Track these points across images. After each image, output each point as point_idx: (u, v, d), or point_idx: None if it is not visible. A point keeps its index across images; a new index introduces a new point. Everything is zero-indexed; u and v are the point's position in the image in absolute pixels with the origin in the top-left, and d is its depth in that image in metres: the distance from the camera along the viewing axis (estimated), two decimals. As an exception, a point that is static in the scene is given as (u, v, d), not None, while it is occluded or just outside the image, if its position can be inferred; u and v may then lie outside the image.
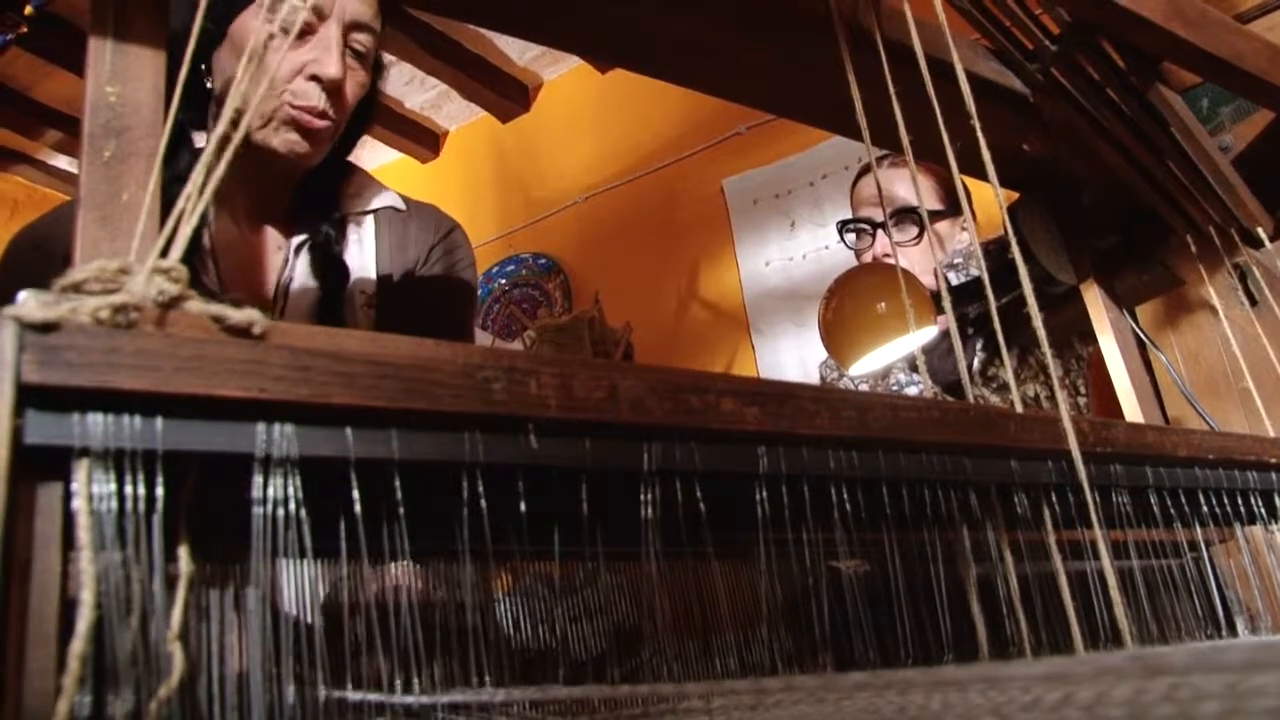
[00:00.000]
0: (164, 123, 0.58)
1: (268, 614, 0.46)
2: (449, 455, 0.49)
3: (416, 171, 4.53)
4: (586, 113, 4.12)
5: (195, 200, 0.52)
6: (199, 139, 1.26)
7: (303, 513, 0.44)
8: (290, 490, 0.44)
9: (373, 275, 1.33)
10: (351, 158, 1.41)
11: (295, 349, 0.45)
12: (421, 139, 4.51)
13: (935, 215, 1.94)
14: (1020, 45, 1.13)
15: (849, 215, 2.07)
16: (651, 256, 3.74)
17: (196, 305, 0.45)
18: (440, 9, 1.00)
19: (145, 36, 0.59)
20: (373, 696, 0.52)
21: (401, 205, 1.41)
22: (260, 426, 0.44)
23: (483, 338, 3.93)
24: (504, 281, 4.12)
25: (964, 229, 1.96)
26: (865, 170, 2.08)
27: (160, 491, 0.41)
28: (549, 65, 4.23)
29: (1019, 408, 0.76)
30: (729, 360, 3.49)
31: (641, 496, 0.55)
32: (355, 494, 0.46)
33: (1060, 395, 0.78)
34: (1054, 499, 0.76)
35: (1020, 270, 0.81)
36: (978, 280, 1.63)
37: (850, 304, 1.40)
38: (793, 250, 3.44)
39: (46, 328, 0.39)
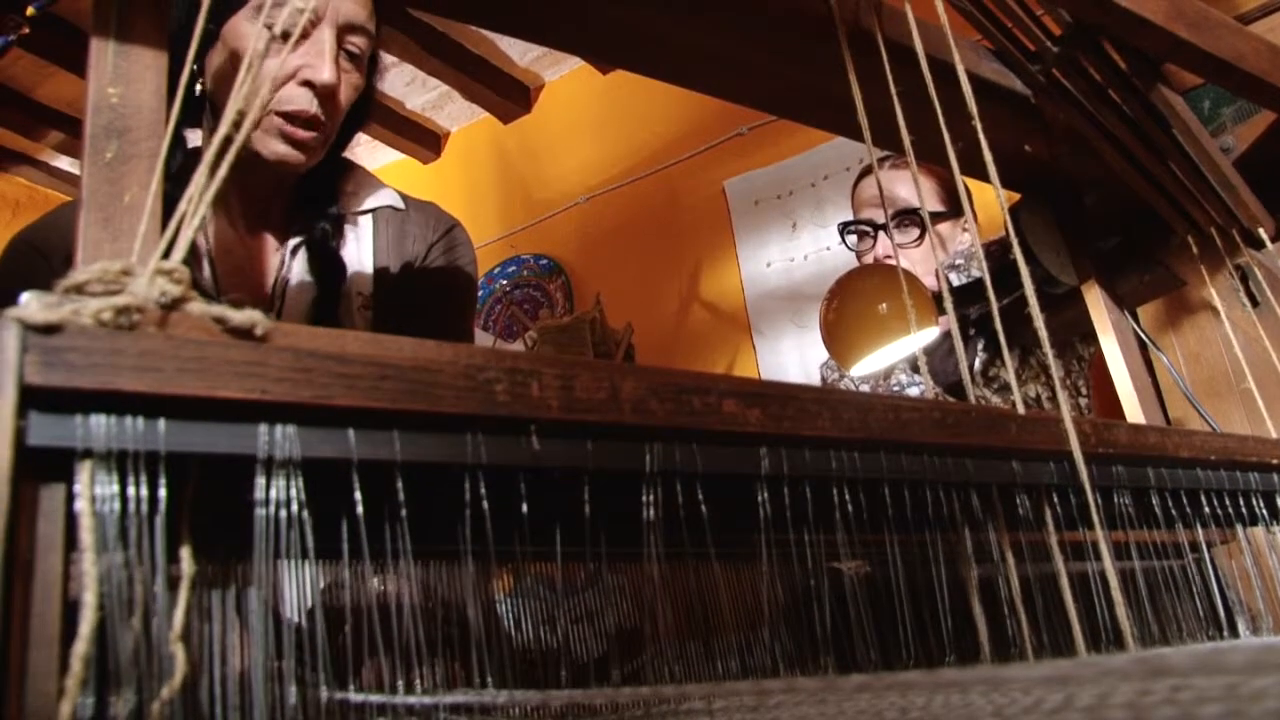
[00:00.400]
0: (166, 124, 0.58)
1: (270, 615, 0.46)
2: (451, 457, 0.49)
3: (418, 172, 4.53)
4: (588, 114, 4.12)
5: (197, 202, 0.52)
6: (192, 138, 1.26)
7: (305, 514, 0.44)
8: (292, 492, 0.44)
9: (370, 275, 1.33)
10: (351, 157, 1.40)
11: (297, 350, 0.45)
12: (423, 140, 4.52)
13: (936, 216, 1.94)
14: (1022, 46, 1.13)
15: (850, 216, 2.06)
16: (653, 257, 3.74)
17: (199, 307, 0.45)
18: (442, 10, 1.00)
19: (147, 38, 0.59)
20: (374, 698, 0.52)
21: (400, 204, 1.40)
22: (262, 428, 0.44)
23: (484, 339, 3.93)
24: (505, 282, 4.12)
25: (965, 230, 1.96)
26: (866, 171, 2.08)
27: (162, 493, 0.41)
28: (550, 66, 4.23)
29: (1020, 408, 0.76)
30: (730, 361, 3.49)
31: (643, 498, 0.55)
32: (357, 495, 0.46)
33: (1061, 396, 0.78)
34: (1056, 500, 0.76)
35: (1022, 271, 0.81)
36: (979, 281, 1.63)
37: (852, 305, 1.40)
38: (794, 251, 3.44)
39: (49, 329, 0.39)
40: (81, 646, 0.38)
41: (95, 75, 0.58)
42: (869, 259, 1.99)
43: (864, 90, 0.89)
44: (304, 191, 1.32)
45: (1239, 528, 0.97)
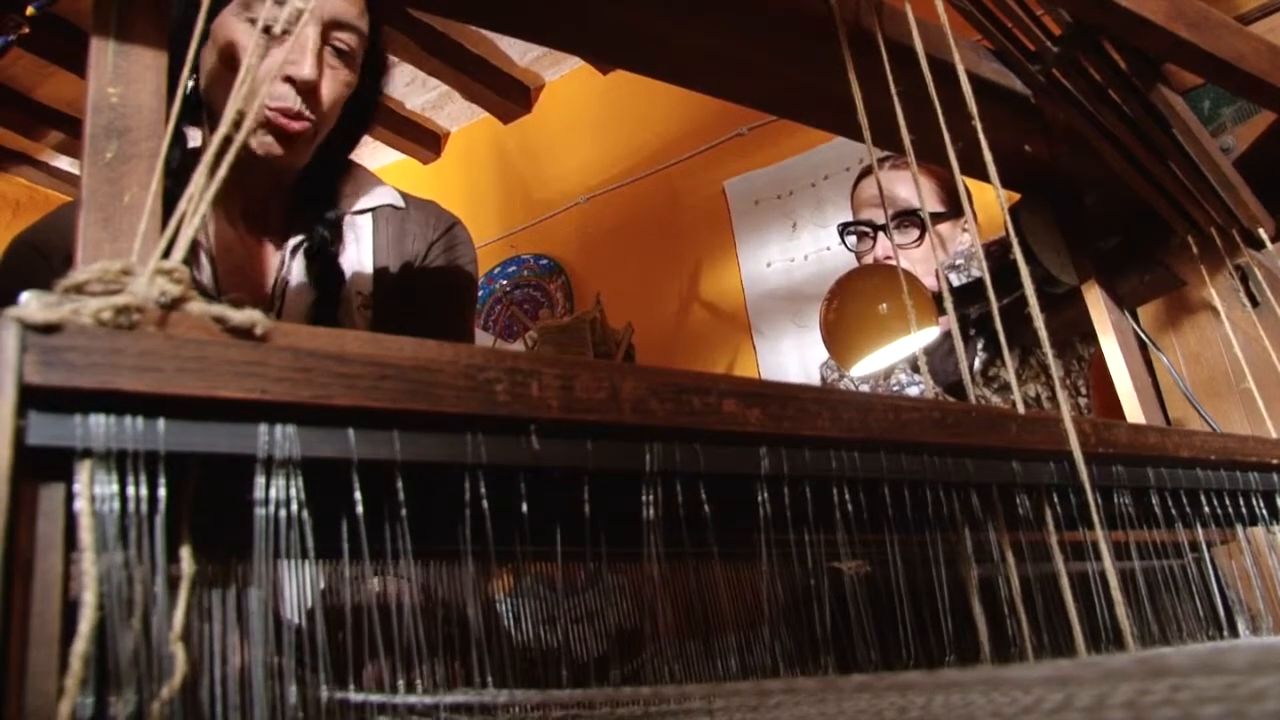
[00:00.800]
0: (166, 124, 0.58)
1: (269, 614, 0.46)
2: (451, 456, 0.49)
3: (418, 172, 4.53)
4: (588, 114, 4.12)
5: (197, 202, 0.52)
6: (191, 136, 1.26)
7: (304, 514, 0.44)
8: (292, 491, 0.44)
9: (370, 274, 1.33)
10: (351, 156, 1.40)
11: (297, 350, 0.45)
12: (423, 140, 4.52)
13: (936, 217, 1.94)
14: (1022, 46, 1.13)
15: (850, 216, 2.06)
16: (653, 257, 3.74)
17: (198, 306, 0.45)
18: (442, 10, 1.00)
19: (147, 38, 0.59)
20: (374, 698, 0.52)
21: (400, 202, 1.40)
22: (262, 427, 0.44)
23: (484, 339, 3.93)
24: (505, 282, 4.12)
25: (965, 230, 1.96)
26: (866, 172, 2.08)
27: (162, 492, 0.41)
28: (550, 66, 4.23)
29: (1020, 408, 0.76)
30: (730, 361, 3.49)
31: (643, 498, 0.55)
32: (357, 495, 0.46)
33: (1061, 396, 0.78)
34: (1055, 500, 0.76)
35: (1022, 271, 0.81)
36: (979, 281, 1.63)
37: (852, 305, 1.40)
38: (794, 251, 3.44)
39: (49, 329, 0.39)
40: (81, 646, 0.38)
41: (95, 75, 0.58)
42: (869, 259, 1.99)
43: (864, 90, 0.89)
44: (303, 191, 1.32)
45: (1239, 528, 0.97)
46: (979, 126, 0.81)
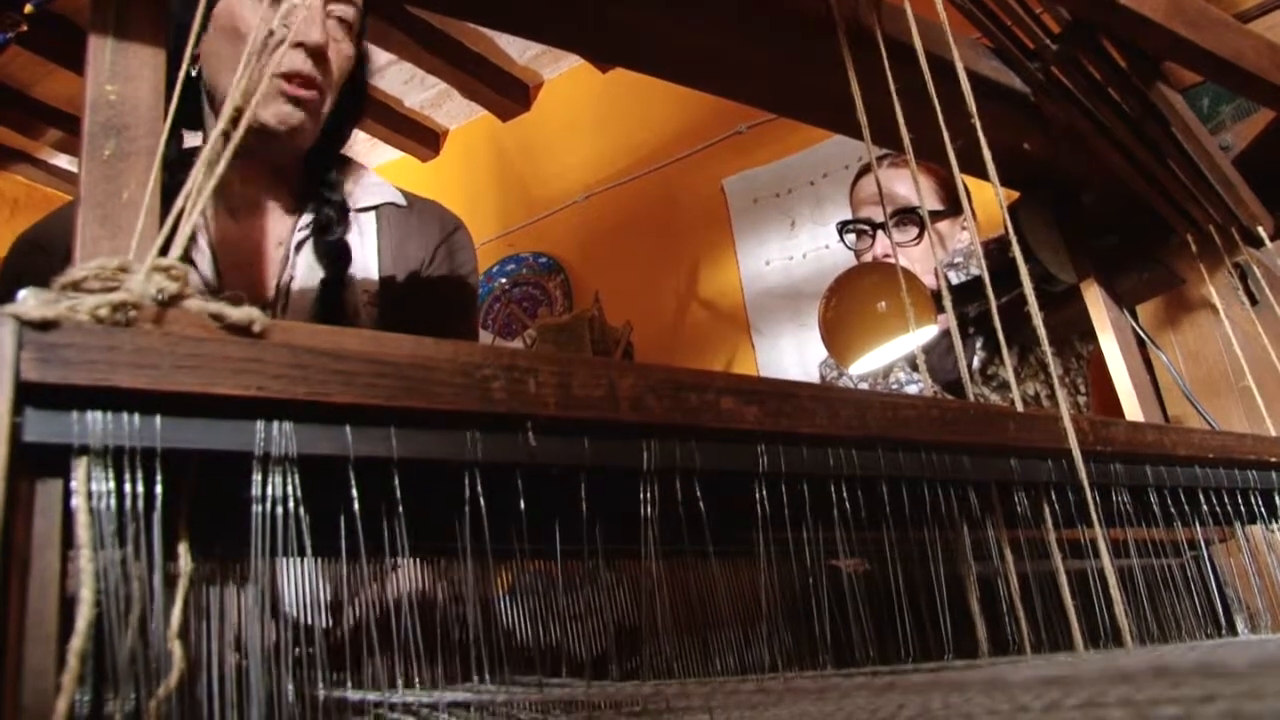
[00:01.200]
0: (164, 120, 0.58)
1: (267, 612, 0.46)
2: (448, 454, 0.49)
3: (417, 170, 4.53)
4: (587, 112, 4.12)
5: (195, 198, 0.52)
6: (189, 139, 1.26)
7: (302, 511, 0.44)
8: (289, 488, 0.44)
9: (375, 272, 1.33)
10: (350, 154, 1.41)
11: (294, 347, 0.45)
12: (422, 138, 4.51)
13: (936, 215, 1.94)
14: (1021, 44, 1.13)
15: (849, 215, 2.06)
16: (652, 256, 3.74)
17: (196, 303, 0.45)
18: (441, 7, 1.00)
19: (145, 35, 0.59)
20: (372, 695, 0.52)
21: (402, 201, 1.41)
22: (259, 424, 0.44)
23: (483, 337, 3.93)
24: (504, 280, 4.12)
25: (964, 228, 1.96)
26: (865, 170, 2.08)
27: (159, 489, 0.41)
28: (549, 64, 4.23)
29: (1019, 406, 0.76)
30: (729, 359, 3.49)
31: (641, 495, 0.55)
32: (354, 492, 0.46)
33: (1060, 394, 0.78)
34: (1054, 497, 0.76)
35: (1020, 269, 0.81)
36: (978, 279, 1.63)
37: (850, 303, 1.40)
38: (793, 249, 3.44)
39: (45, 325, 0.39)
40: (78, 642, 0.38)
41: (93, 72, 0.58)
42: (868, 257, 1.98)
43: (863, 88, 0.89)
44: (307, 183, 1.32)
45: (1237, 526, 0.97)
46: (978, 124, 0.81)
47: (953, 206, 1.94)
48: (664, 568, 0.66)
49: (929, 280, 1.84)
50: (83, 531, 0.39)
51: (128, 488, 0.40)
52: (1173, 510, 0.86)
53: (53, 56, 3.63)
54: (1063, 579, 0.73)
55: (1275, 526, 1.01)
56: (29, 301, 0.39)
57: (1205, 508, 0.90)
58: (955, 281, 1.75)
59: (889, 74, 0.88)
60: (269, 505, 0.44)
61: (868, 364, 1.47)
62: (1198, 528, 0.91)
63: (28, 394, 0.39)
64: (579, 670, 0.69)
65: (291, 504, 0.44)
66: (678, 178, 3.76)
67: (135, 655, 0.40)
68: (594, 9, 0.95)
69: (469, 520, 0.50)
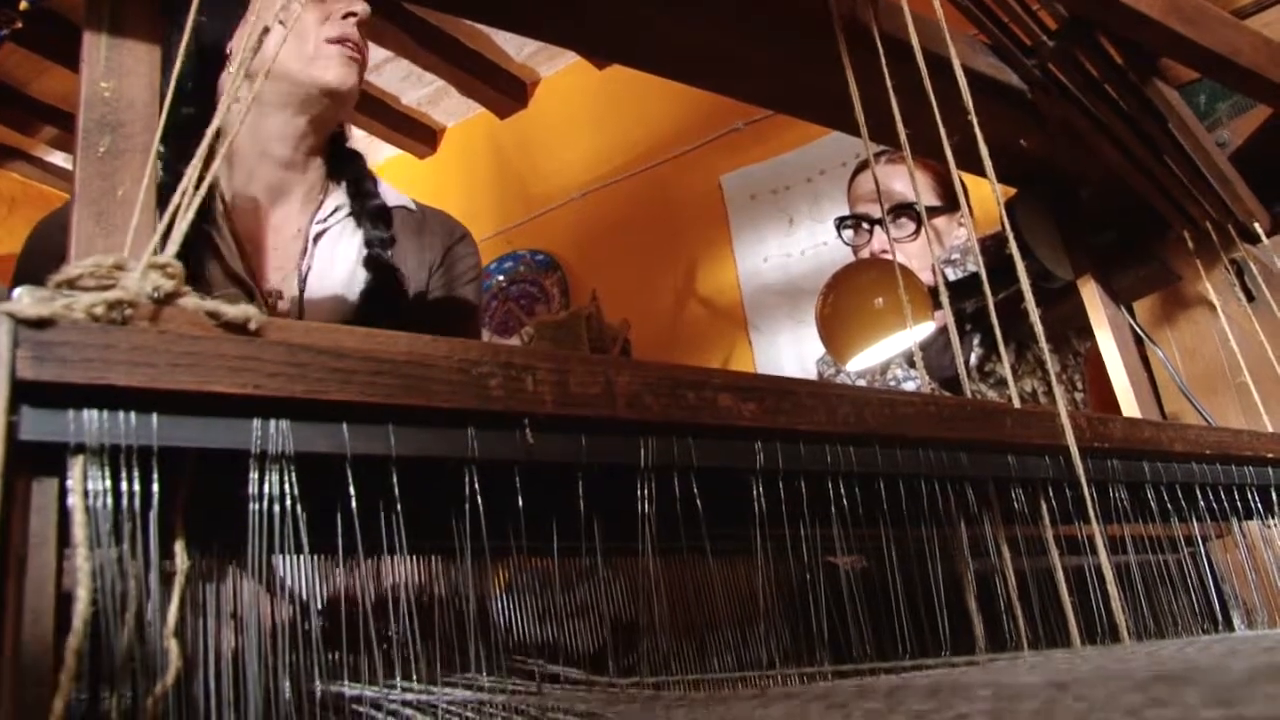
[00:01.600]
0: (159, 117, 0.58)
1: (264, 609, 0.46)
2: (446, 451, 0.49)
3: (414, 167, 4.52)
4: (584, 109, 4.11)
5: (191, 195, 0.52)
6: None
7: (299, 509, 0.44)
8: (286, 486, 0.44)
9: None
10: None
11: (291, 345, 0.45)
12: (419, 135, 4.50)
13: (933, 211, 1.94)
14: (1018, 41, 1.13)
15: (847, 211, 2.06)
16: (649, 253, 3.73)
17: (192, 301, 0.45)
18: (438, 4, 0.99)
19: (140, 31, 0.59)
20: (369, 691, 0.52)
21: (413, 206, 1.44)
22: (256, 422, 0.44)
23: (482, 336, 3.92)
24: (502, 278, 4.11)
25: (961, 225, 1.96)
26: (863, 166, 2.08)
27: (155, 488, 0.41)
28: (546, 61, 4.22)
29: (1016, 403, 0.76)
30: (726, 356, 3.48)
31: (638, 492, 0.55)
32: (351, 490, 0.46)
33: (1058, 391, 0.78)
34: (1051, 494, 0.76)
35: (1018, 266, 0.81)
36: (975, 276, 1.63)
37: (847, 299, 1.40)
38: (790, 246, 3.44)
39: (41, 324, 0.39)
40: (74, 640, 0.38)
41: (88, 69, 0.58)
42: (865, 253, 1.98)
43: (860, 85, 0.89)
44: (326, 174, 1.36)
45: (1234, 522, 0.97)
46: (975, 121, 0.81)
47: (950, 203, 1.93)
48: (661, 565, 0.66)
49: (926, 277, 1.84)
50: (79, 530, 0.39)
51: (124, 486, 0.40)
52: (1170, 506, 0.86)
53: (49, 53, 3.62)
54: (1060, 575, 0.74)
55: (1272, 522, 1.01)
56: (24, 299, 0.39)
57: (1202, 504, 0.90)
58: (952, 278, 1.75)
59: (886, 71, 0.88)
60: (266, 503, 0.44)
61: (865, 361, 1.47)
62: (1194, 524, 0.91)
63: (24, 392, 0.39)
64: (576, 667, 0.69)
65: (289, 502, 0.44)
66: (675, 175, 3.76)
67: (132, 653, 0.40)
68: (591, 6, 0.95)
69: (467, 518, 0.50)
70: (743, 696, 0.53)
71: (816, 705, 0.41)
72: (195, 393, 0.42)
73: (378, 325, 0.50)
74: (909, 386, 1.87)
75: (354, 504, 0.47)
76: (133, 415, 0.41)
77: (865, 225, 1.99)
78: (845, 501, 0.63)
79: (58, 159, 4.40)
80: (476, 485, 0.50)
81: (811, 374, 2.23)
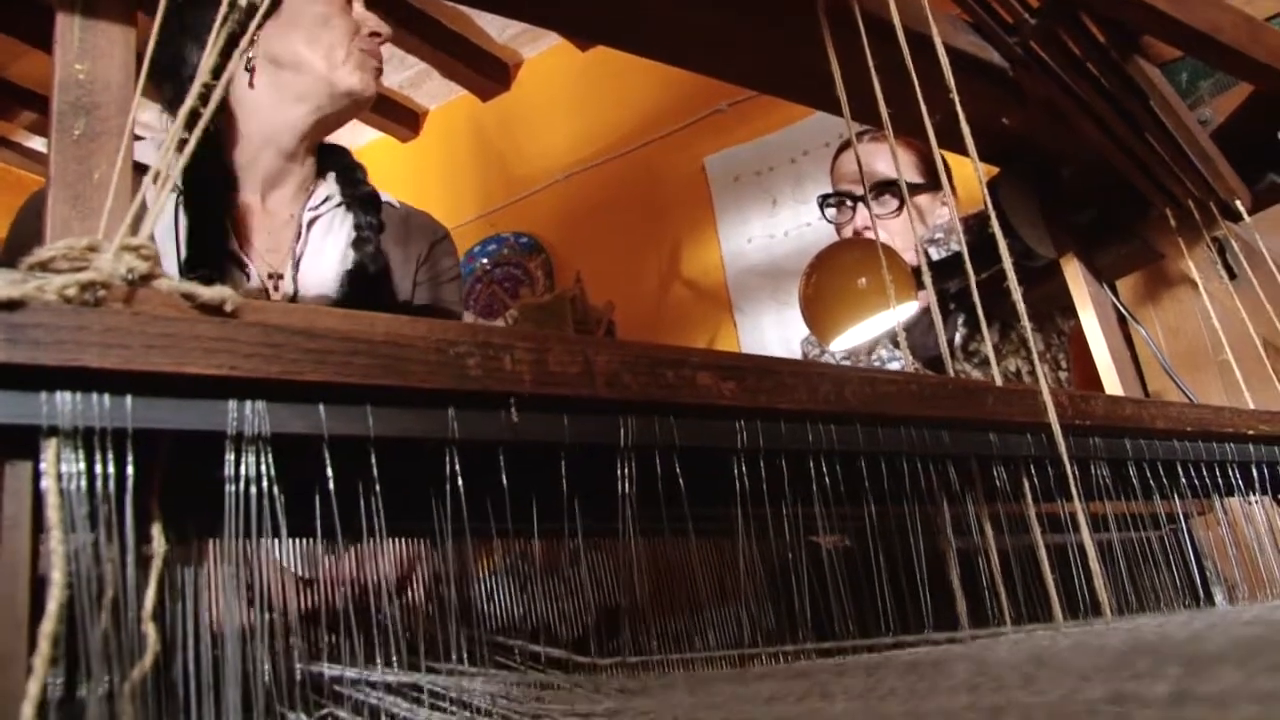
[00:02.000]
0: (134, 99, 0.58)
1: (243, 592, 0.46)
2: (423, 432, 0.48)
3: (397, 151, 4.50)
4: (567, 91, 4.10)
5: (165, 180, 0.52)
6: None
7: (276, 490, 0.44)
8: (263, 468, 0.44)
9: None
10: (331, 139, 1.47)
11: (266, 326, 0.44)
12: (401, 118, 4.48)
13: (915, 189, 1.94)
14: (999, 19, 1.13)
15: (830, 191, 2.06)
16: (633, 235, 3.73)
17: (166, 283, 0.45)
18: (416, -16, 0.99)
19: (113, 13, 0.59)
20: (350, 673, 0.52)
21: (396, 203, 1.50)
22: (231, 404, 0.43)
23: (465, 318, 3.91)
24: (485, 261, 4.10)
25: (944, 204, 1.96)
26: (845, 145, 2.07)
27: (130, 470, 0.41)
28: (529, 43, 4.20)
29: (999, 382, 0.76)
30: (711, 338, 3.48)
31: (618, 471, 0.55)
32: (329, 471, 0.46)
33: (1041, 369, 0.78)
34: (1033, 472, 0.76)
35: (1000, 245, 0.81)
36: (958, 255, 1.63)
37: (830, 279, 1.40)
38: (774, 227, 3.44)
39: (12, 305, 0.39)
40: (49, 625, 0.37)
41: (61, 51, 0.57)
42: (848, 231, 1.98)
43: (842, 64, 0.89)
44: (317, 163, 1.42)
45: (1216, 499, 0.97)
46: (957, 100, 0.81)
47: (932, 180, 1.94)
48: (643, 545, 0.66)
49: (909, 257, 1.85)
50: (53, 513, 0.39)
51: (98, 469, 0.40)
52: (1152, 484, 0.86)
53: (25, 37, 3.58)
54: (1042, 553, 0.74)
55: (1253, 499, 1.02)
56: (-5, 281, 0.39)
57: (1184, 481, 0.90)
58: (936, 258, 1.75)
59: (868, 50, 0.87)
60: (242, 485, 0.43)
61: (848, 340, 1.47)
62: (1176, 501, 0.92)
63: (-5, 375, 0.38)
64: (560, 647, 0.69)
65: (265, 484, 0.44)
66: (659, 156, 3.75)
67: (108, 638, 0.40)
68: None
69: (448, 499, 0.50)
70: (725, 676, 0.53)
71: (798, 683, 0.41)
72: (170, 374, 0.41)
73: (367, 309, 0.50)
74: (894, 366, 1.88)
75: (331, 485, 0.46)
76: (106, 397, 0.40)
77: (848, 203, 1.99)
78: (827, 480, 0.64)
79: (37, 144, 4.36)
80: (456, 465, 0.49)
81: (796, 355, 2.23)
